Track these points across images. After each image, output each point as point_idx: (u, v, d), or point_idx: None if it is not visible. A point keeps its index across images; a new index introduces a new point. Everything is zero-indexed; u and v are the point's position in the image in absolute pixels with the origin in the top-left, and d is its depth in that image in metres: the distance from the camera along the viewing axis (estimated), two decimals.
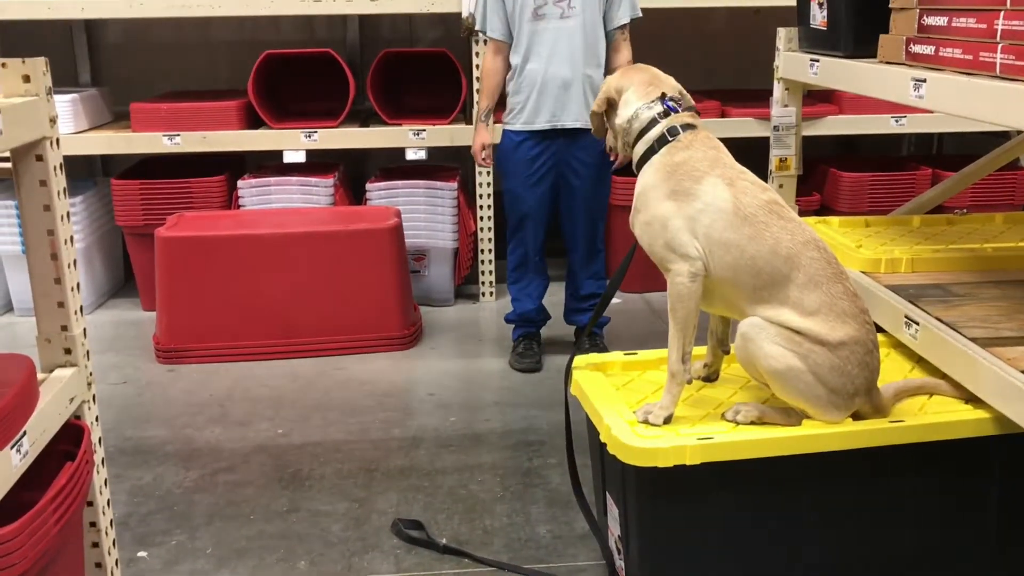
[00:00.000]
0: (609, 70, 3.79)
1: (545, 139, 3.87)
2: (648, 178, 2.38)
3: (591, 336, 4.15)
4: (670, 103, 2.43)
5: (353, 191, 5.13)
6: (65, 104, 4.62)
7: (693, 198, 2.29)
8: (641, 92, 2.47)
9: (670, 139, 2.37)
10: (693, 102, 2.50)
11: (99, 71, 5.59)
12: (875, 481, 2.28)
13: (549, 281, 4.19)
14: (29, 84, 2.03)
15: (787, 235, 2.26)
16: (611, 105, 2.53)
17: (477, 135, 4.01)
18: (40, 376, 2.14)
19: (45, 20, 4.68)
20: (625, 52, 3.88)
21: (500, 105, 4.05)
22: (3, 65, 1.98)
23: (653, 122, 2.41)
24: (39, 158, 2.08)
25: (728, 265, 2.26)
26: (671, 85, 2.50)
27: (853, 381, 2.23)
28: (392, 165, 5.20)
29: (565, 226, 4.05)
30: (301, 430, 3.57)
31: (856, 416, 2.29)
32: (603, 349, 4.06)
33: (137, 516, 2.98)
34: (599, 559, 2.64)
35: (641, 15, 3.92)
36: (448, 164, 5.22)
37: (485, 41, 4.24)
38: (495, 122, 4.05)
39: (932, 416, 2.32)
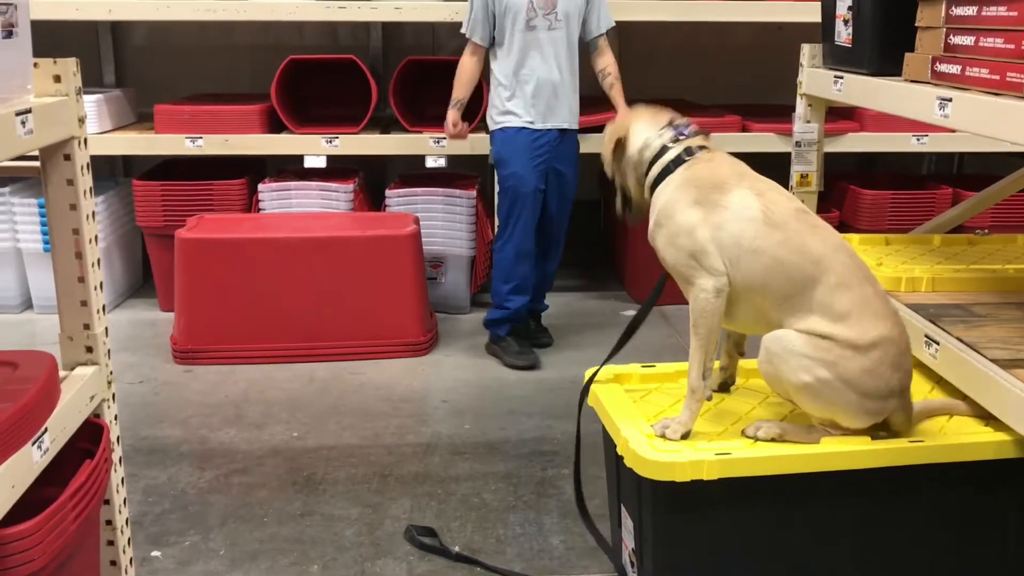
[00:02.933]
0: (598, 70, 4.30)
1: (540, 136, 4.21)
2: (670, 192, 2.37)
3: (540, 326, 4.59)
4: (679, 128, 2.44)
5: (372, 197, 5.15)
6: (90, 104, 4.66)
7: (721, 208, 2.28)
8: (649, 122, 2.49)
9: (687, 158, 2.37)
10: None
11: (124, 72, 5.64)
12: (893, 500, 2.27)
13: None
14: (60, 84, 2.05)
15: (817, 239, 2.25)
16: (619, 145, 2.52)
17: (449, 116, 4.33)
18: (61, 373, 2.16)
19: (72, 21, 4.74)
20: (608, 54, 4.30)
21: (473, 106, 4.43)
22: (35, 65, 2.00)
23: (665, 148, 2.42)
24: (67, 157, 2.10)
25: (757, 272, 2.24)
26: (677, 115, 2.52)
27: (888, 383, 2.20)
28: (412, 172, 5.22)
29: (545, 217, 4.35)
30: (316, 434, 3.58)
31: (886, 424, 2.27)
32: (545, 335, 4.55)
33: (151, 515, 2.99)
34: (611, 571, 2.63)
35: (614, 24, 4.35)
36: (467, 172, 5.23)
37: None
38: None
39: (952, 437, 2.31)
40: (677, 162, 2.38)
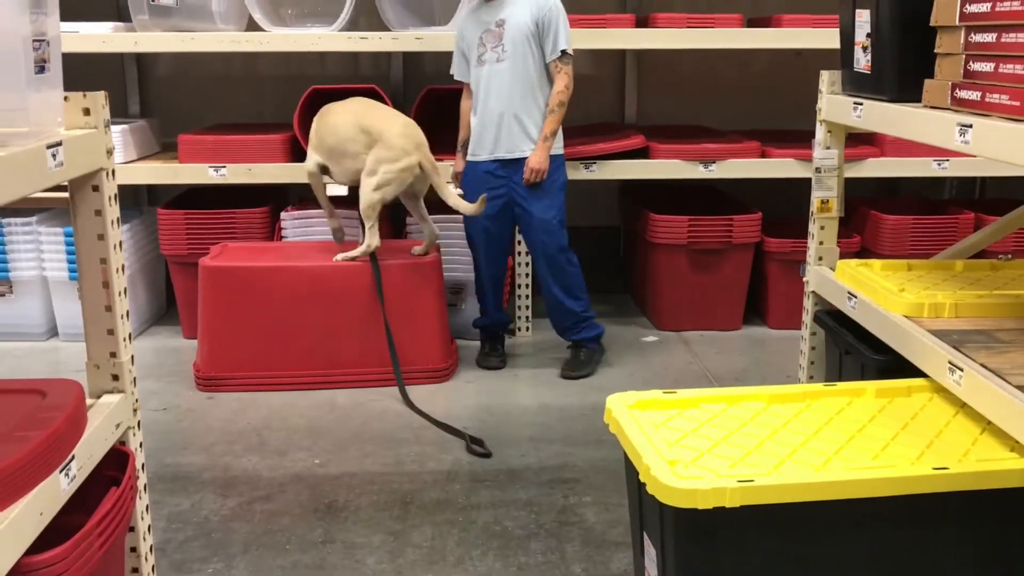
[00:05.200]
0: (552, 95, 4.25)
1: (491, 168, 4.34)
2: None
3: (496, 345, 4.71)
4: None
5: (393, 225, 5.18)
6: (115, 135, 4.73)
7: None
8: None
9: None
10: None
11: (148, 103, 5.73)
12: (918, 528, 2.25)
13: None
14: (89, 117, 2.10)
15: None
16: None
17: (455, 164, 4.58)
18: (88, 401, 2.19)
19: (99, 53, 4.83)
20: (558, 81, 4.22)
21: None
22: (66, 98, 2.04)
23: None
24: (95, 188, 2.14)
25: None
26: None
27: None
28: (432, 199, 5.25)
29: (528, 244, 4.50)
30: (337, 461, 3.59)
31: None
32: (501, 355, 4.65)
33: (175, 543, 3.00)
34: None
35: (567, 48, 4.20)
36: None
37: None
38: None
39: (977, 464, 2.29)
40: None
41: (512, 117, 4.25)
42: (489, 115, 4.28)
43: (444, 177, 4.39)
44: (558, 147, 4.34)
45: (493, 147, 4.31)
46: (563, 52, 4.19)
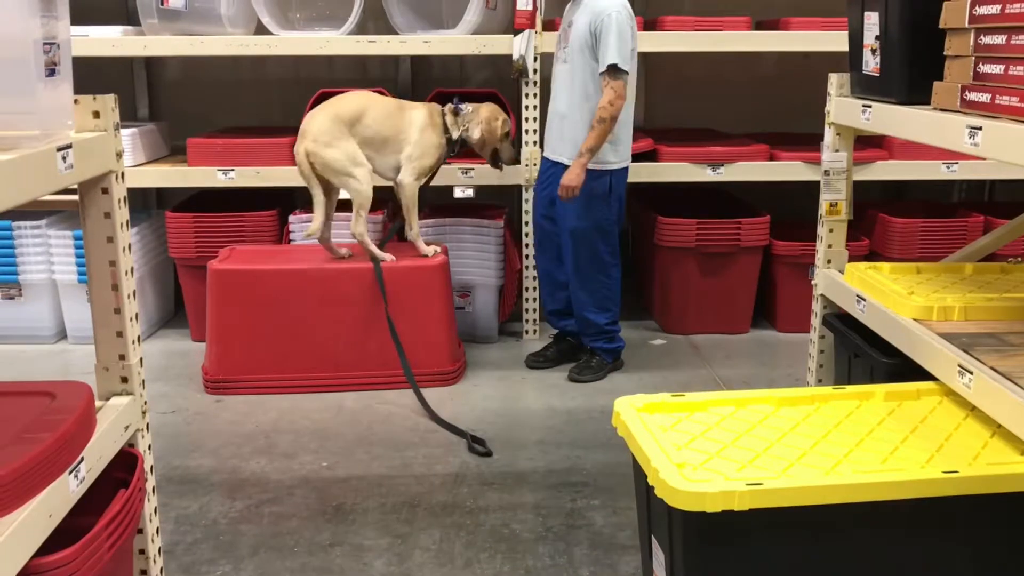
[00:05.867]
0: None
1: (548, 165, 4.40)
2: None
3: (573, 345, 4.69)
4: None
5: (401, 228, 5.18)
6: (124, 138, 4.71)
7: None
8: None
9: None
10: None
11: (157, 106, 5.75)
12: (928, 532, 2.24)
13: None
14: (99, 120, 2.10)
15: None
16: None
17: None
18: (97, 404, 2.19)
19: (108, 57, 4.84)
20: (603, 95, 4.06)
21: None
22: (75, 101, 2.05)
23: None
24: (105, 191, 2.15)
25: None
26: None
27: None
28: (440, 202, 5.26)
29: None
30: (345, 463, 3.59)
31: None
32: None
33: (183, 545, 3.01)
34: None
35: (613, 63, 3.98)
36: (495, 202, 5.27)
37: (535, 82, 4.72)
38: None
39: (987, 468, 2.28)
40: None
41: (562, 121, 4.27)
42: (550, 113, 4.37)
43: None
44: (606, 160, 4.19)
45: (548, 145, 4.39)
46: (611, 66, 3.99)
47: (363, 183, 4.25)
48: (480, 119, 4.40)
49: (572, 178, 4.11)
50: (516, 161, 4.69)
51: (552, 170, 4.33)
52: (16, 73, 1.80)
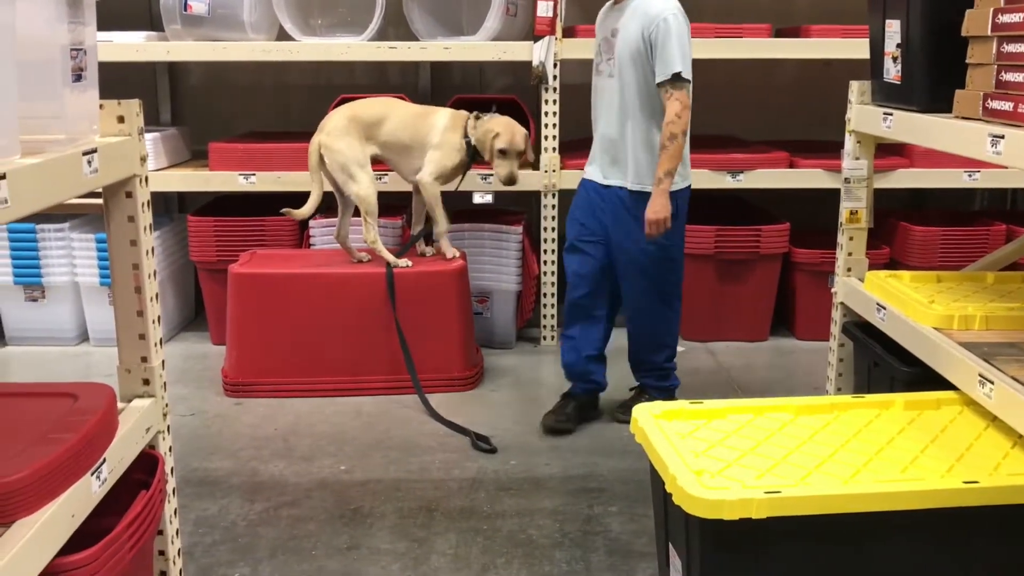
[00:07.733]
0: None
1: (591, 188, 3.83)
2: None
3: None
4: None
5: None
6: (147, 142, 4.76)
7: None
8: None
9: None
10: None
11: (179, 111, 5.79)
12: (946, 542, 2.22)
13: (604, 335, 3.98)
14: (123, 124, 2.13)
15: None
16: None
17: None
18: (119, 405, 2.21)
19: (131, 62, 4.89)
20: (668, 109, 3.53)
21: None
22: (101, 106, 2.07)
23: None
24: (129, 195, 2.17)
25: None
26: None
27: None
28: (459, 208, 5.27)
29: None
30: (363, 467, 3.60)
31: None
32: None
33: (202, 547, 3.03)
34: None
35: (677, 71, 3.49)
36: (514, 208, 5.28)
37: (555, 88, 4.64)
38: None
39: (1008, 479, 2.26)
40: None
41: (611, 143, 3.71)
42: (597, 132, 3.81)
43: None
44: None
45: (593, 165, 3.83)
46: (675, 75, 3.50)
47: (363, 187, 4.30)
48: (485, 129, 4.31)
49: (659, 209, 3.54)
50: (513, 183, 4.27)
51: (602, 193, 3.77)
52: (44, 78, 1.83)
